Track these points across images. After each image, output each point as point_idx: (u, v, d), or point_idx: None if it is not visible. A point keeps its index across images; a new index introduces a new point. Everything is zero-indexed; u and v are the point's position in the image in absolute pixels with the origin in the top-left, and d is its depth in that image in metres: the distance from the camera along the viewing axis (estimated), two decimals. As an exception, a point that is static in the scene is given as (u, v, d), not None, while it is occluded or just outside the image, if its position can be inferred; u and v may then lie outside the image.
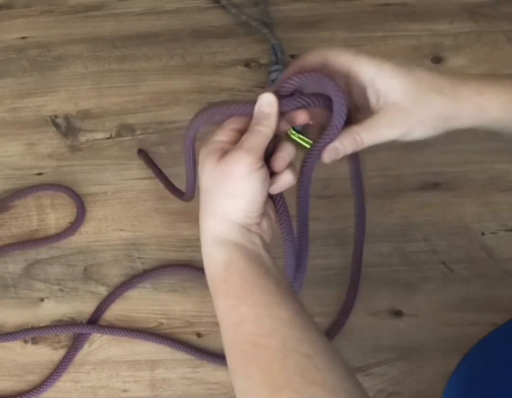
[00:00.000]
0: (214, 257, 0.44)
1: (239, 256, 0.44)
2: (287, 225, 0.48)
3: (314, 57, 0.47)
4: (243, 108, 0.45)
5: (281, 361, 0.38)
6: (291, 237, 0.48)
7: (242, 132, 0.45)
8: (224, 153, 0.43)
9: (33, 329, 0.67)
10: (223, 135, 0.45)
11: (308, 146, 0.69)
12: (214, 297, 0.44)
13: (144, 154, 0.71)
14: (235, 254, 0.44)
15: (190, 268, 0.67)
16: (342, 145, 0.45)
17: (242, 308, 0.42)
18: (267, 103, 0.44)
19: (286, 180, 0.46)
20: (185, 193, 0.60)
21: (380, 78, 0.44)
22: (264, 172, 0.43)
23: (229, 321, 0.42)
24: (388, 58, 0.45)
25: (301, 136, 0.70)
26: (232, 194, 0.43)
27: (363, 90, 0.45)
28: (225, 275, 0.43)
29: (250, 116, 0.45)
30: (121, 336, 0.66)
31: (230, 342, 0.42)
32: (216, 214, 0.44)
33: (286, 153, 0.46)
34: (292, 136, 0.70)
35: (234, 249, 0.44)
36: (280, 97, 0.45)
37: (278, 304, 0.42)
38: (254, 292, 0.42)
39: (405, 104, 0.44)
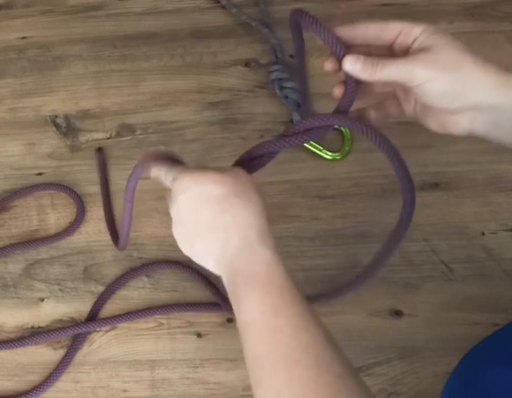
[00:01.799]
0: (256, 256, 0.43)
1: (279, 260, 0.43)
2: None
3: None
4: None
5: (315, 380, 0.38)
6: None
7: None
8: None
9: (33, 333, 0.67)
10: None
11: (307, 146, 0.69)
12: (243, 296, 0.43)
13: (101, 157, 0.67)
14: (277, 257, 0.43)
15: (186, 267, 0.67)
16: (364, 59, 0.46)
17: (280, 318, 0.41)
18: None
19: None
20: (119, 242, 0.63)
21: (427, 31, 0.45)
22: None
23: (262, 328, 0.41)
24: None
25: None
26: (254, 202, 0.45)
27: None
28: (266, 276, 0.42)
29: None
30: (121, 323, 0.66)
31: (259, 351, 0.41)
32: (255, 212, 0.44)
33: None
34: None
35: (275, 252, 0.44)
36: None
37: (312, 321, 0.41)
38: (294, 303, 0.42)
39: (440, 52, 0.44)
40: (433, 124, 0.49)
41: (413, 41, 0.45)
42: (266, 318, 0.41)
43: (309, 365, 0.38)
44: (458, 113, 0.46)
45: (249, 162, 0.49)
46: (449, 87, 0.44)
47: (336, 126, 0.68)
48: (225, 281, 0.45)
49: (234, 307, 0.44)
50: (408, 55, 0.45)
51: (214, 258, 0.45)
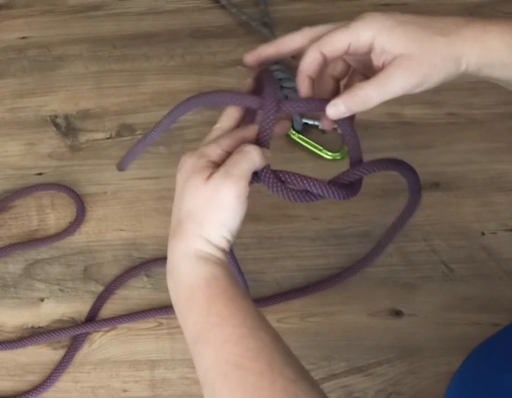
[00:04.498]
0: (196, 272, 0.43)
1: (223, 274, 0.43)
2: None
3: (308, 57, 0.46)
4: (240, 99, 0.46)
5: (269, 387, 0.37)
6: None
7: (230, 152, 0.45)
8: (211, 172, 0.43)
9: (33, 333, 0.67)
10: (215, 154, 0.44)
11: (308, 146, 0.69)
12: (188, 313, 0.43)
13: (268, 74, 0.51)
14: (219, 271, 0.43)
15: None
16: (342, 101, 0.44)
17: (226, 328, 0.40)
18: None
19: None
20: (122, 161, 0.57)
21: (379, 37, 0.43)
22: (246, 204, 0.44)
23: (209, 340, 0.41)
24: (384, 16, 0.44)
25: (301, 136, 0.70)
26: (222, 223, 0.43)
27: (368, 59, 0.44)
28: (208, 292, 0.42)
29: (243, 109, 0.47)
30: (120, 324, 0.66)
31: (209, 363, 0.40)
32: (202, 235, 0.43)
33: None
34: (292, 136, 0.70)
35: (218, 267, 0.43)
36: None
37: (260, 327, 0.41)
38: (238, 312, 0.41)
39: (412, 51, 0.42)
40: None
41: (370, 50, 0.44)
42: (212, 329, 0.41)
43: (262, 372, 0.38)
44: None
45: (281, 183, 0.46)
46: (443, 78, 0.43)
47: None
48: (169, 284, 0.46)
49: (180, 321, 0.44)
50: (380, 69, 0.43)
51: (169, 247, 0.46)
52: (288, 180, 0.46)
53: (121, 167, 0.59)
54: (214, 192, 0.43)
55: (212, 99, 0.48)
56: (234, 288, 0.43)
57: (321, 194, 0.46)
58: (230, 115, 0.48)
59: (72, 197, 0.70)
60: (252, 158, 0.44)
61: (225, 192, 0.42)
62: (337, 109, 0.44)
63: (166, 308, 0.66)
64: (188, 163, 0.45)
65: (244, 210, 0.44)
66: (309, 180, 0.45)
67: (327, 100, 0.45)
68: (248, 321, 0.41)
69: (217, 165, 0.44)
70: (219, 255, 0.44)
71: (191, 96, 0.48)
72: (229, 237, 0.44)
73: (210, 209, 0.43)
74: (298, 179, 0.46)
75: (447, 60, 0.43)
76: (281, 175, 0.46)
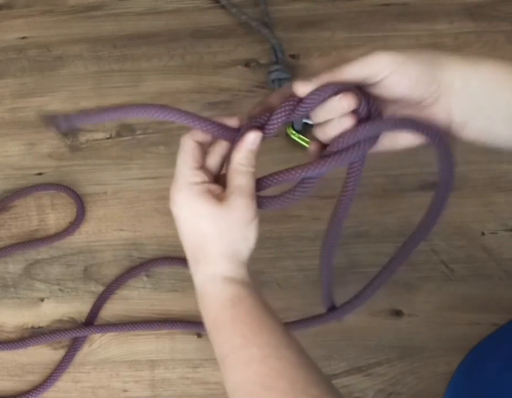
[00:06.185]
0: (221, 294, 0.44)
1: (247, 294, 0.44)
2: None
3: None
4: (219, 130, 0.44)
5: None
6: None
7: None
8: (213, 193, 0.44)
9: (33, 333, 0.67)
10: (201, 176, 0.45)
11: (307, 145, 0.69)
12: (215, 334, 0.44)
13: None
14: (243, 291, 0.44)
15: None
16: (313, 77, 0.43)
17: (250, 348, 0.42)
18: (254, 140, 0.45)
19: None
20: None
21: (391, 74, 0.43)
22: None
23: (235, 361, 0.42)
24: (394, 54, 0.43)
25: (300, 136, 0.70)
26: (245, 237, 0.45)
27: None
28: (232, 312, 0.43)
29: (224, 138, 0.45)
30: (121, 332, 0.66)
31: (237, 383, 0.42)
32: (230, 255, 0.45)
33: None
34: (292, 136, 0.70)
35: (242, 286, 0.44)
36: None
37: (285, 344, 0.42)
38: (262, 331, 0.42)
39: (413, 98, 0.43)
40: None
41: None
42: (237, 351, 0.42)
43: (284, 392, 0.39)
44: (432, 104, 0.44)
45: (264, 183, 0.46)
46: (420, 71, 0.42)
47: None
48: (199, 305, 0.46)
49: (210, 340, 0.45)
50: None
51: (193, 271, 0.47)
52: (284, 178, 0.46)
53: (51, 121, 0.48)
54: (233, 212, 0.44)
55: (189, 119, 0.45)
56: (258, 307, 0.44)
57: (321, 171, 0.46)
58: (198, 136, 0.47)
59: (72, 197, 0.70)
60: (251, 173, 0.45)
61: (244, 210, 0.44)
62: (307, 85, 0.43)
63: (168, 321, 0.66)
64: (182, 195, 0.47)
65: (258, 220, 0.45)
66: (302, 168, 0.46)
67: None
68: (272, 340, 0.42)
69: (211, 182, 0.45)
70: (243, 271, 0.45)
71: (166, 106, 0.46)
72: (252, 246, 0.46)
73: (233, 227, 0.44)
74: (292, 172, 0.46)
75: (422, 67, 0.42)
76: (272, 178, 0.46)
